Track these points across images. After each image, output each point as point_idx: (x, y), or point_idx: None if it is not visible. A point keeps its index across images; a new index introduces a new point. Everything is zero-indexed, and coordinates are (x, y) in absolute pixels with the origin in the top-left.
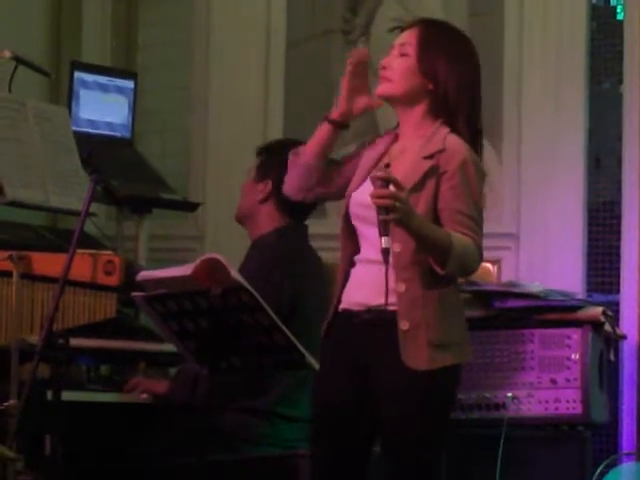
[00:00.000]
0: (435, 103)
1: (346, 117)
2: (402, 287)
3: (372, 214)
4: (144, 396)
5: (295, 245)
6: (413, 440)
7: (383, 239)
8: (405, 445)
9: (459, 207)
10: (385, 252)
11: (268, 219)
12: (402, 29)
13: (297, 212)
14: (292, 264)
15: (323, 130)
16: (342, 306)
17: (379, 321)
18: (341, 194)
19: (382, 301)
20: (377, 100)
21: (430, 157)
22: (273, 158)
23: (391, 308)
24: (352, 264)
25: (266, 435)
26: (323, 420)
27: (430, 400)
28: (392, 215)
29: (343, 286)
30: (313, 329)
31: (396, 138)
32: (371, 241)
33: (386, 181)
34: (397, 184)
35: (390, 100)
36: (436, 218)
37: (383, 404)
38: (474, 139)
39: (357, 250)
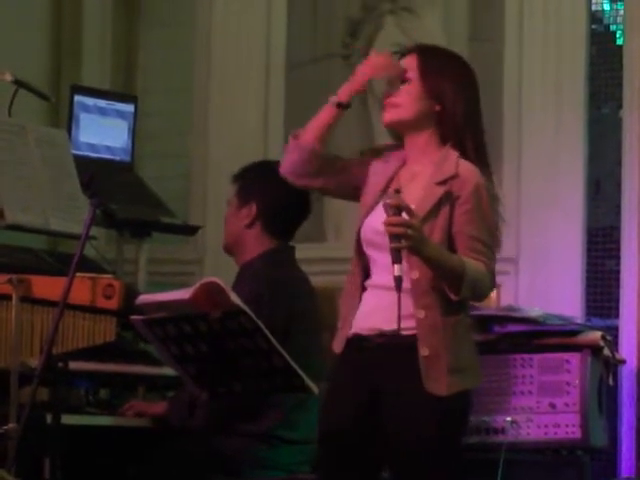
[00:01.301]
0: (443, 125)
1: (352, 97)
2: (421, 313)
3: (385, 240)
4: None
5: (285, 268)
6: (430, 465)
7: (395, 267)
8: (422, 470)
9: (472, 232)
10: (397, 280)
11: (255, 243)
12: (400, 56)
13: (284, 232)
14: (283, 287)
15: (327, 112)
16: (353, 331)
17: (393, 345)
18: (342, 193)
19: (395, 327)
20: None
21: (443, 183)
22: (254, 180)
23: (404, 333)
24: (363, 289)
25: (266, 458)
26: (332, 445)
27: (448, 425)
28: (404, 243)
29: (354, 311)
30: (306, 352)
31: (404, 162)
32: (383, 267)
33: (398, 208)
34: (409, 211)
35: (398, 126)
36: (451, 244)
37: (401, 429)
38: (482, 160)
39: (367, 275)
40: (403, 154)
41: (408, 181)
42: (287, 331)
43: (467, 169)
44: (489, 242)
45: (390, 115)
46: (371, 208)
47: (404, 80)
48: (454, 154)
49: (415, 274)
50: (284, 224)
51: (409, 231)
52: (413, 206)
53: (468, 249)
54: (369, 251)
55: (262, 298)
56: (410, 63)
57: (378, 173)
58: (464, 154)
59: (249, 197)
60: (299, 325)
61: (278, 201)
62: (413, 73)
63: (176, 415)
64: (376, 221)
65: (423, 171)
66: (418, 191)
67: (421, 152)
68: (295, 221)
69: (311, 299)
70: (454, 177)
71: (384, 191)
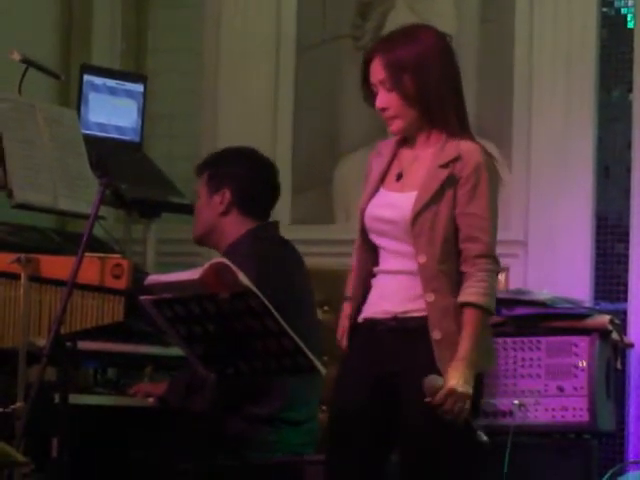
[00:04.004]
0: (429, 112)
1: None
2: (431, 297)
3: (391, 227)
4: (151, 400)
5: (271, 244)
6: (440, 448)
7: None
8: (431, 453)
9: (473, 210)
10: None
11: (235, 227)
12: (366, 62)
13: (261, 213)
14: (275, 266)
15: None
16: (364, 315)
17: (406, 329)
18: None
19: (406, 307)
20: None
21: (446, 165)
22: (223, 167)
23: (415, 314)
24: (372, 275)
25: (271, 441)
26: (343, 426)
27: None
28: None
29: (363, 297)
30: (301, 327)
31: (401, 143)
32: (391, 253)
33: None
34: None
35: (406, 133)
36: (455, 225)
37: (413, 411)
38: (467, 129)
39: (375, 262)
40: (391, 141)
41: (410, 163)
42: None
43: (469, 149)
44: (490, 217)
45: (395, 127)
46: (371, 195)
47: (390, 89)
48: (455, 137)
49: (422, 258)
50: (260, 206)
51: (458, 404)
52: (415, 192)
53: (470, 227)
54: (376, 239)
55: (258, 280)
56: (382, 73)
57: (375, 167)
58: (451, 132)
59: (220, 184)
60: (292, 302)
61: (250, 184)
62: (390, 83)
63: (174, 396)
64: (378, 208)
65: (424, 154)
66: (421, 173)
67: (424, 138)
68: (269, 201)
69: (301, 273)
70: (456, 159)
71: (382, 178)
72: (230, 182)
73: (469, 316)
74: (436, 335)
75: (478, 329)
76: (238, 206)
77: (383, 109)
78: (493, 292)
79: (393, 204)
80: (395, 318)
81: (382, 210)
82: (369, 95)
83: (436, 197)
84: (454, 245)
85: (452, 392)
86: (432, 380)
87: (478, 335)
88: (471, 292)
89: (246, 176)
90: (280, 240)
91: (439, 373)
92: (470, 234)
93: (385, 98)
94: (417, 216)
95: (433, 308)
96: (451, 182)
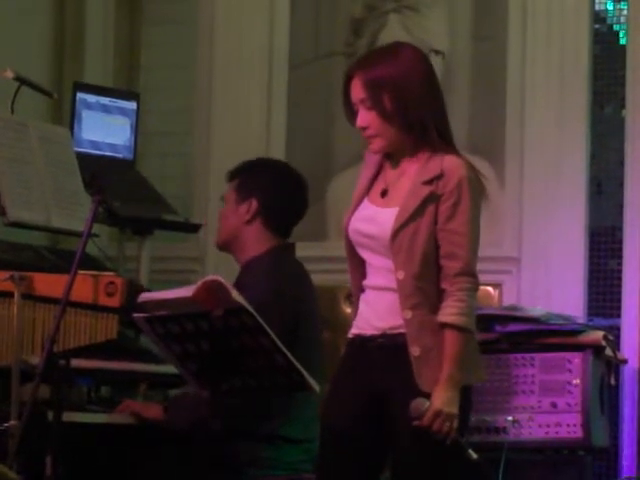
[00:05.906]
0: (409, 130)
1: None
2: (409, 314)
3: (372, 242)
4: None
5: (290, 267)
6: (428, 466)
7: None
8: (420, 472)
9: (453, 227)
10: None
11: (256, 240)
12: (346, 81)
13: (284, 229)
14: (291, 287)
15: None
16: (354, 331)
17: (393, 345)
18: None
19: (394, 324)
20: None
21: (429, 182)
22: (254, 176)
23: (402, 331)
24: (363, 290)
25: (270, 459)
26: (333, 444)
27: None
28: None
29: (356, 313)
30: (309, 351)
31: (387, 157)
32: (376, 268)
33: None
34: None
35: (387, 150)
36: (436, 240)
37: (398, 428)
38: (448, 141)
39: (364, 275)
40: (378, 157)
41: (396, 179)
42: (296, 331)
43: (452, 165)
44: (470, 235)
45: (376, 145)
46: (355, 207)
47: (370, 108)
48: (439, 153)
49: (401, 274)
50: (284, 220)
51: (446, 423)
52: (397, 208)
53: (450, 243)
54: (361, 253)
55: (269, 305)
56: (362, 92)
57: (362, 178)
58: (434, 148)
59: (249, 193)
60: (305, 327)
61: (279, 197)
62: (370, 102)
63: (178, 421)
64: (361, 223)
65: (409, 170)
66: (405, 190)
67: (409, 154)
68: (295, 217)
69: (314, 297)
70: (440, 177)
71: (366, 192)
72: (260, 192)
73: (449, 337)
74: (414, 351)
75: (459, 349)
76: (263, 217)
77: (363, 128)
78: (472, 311)
79: (375, 219)
80: (384, 335)
81: (364, 224)
82: (351, 114)
83: (416, 214)
84: (434, 261)
85: (439, 413)
86: (418, 403)
87: (460, 355)
88: (449, 312)
89: (275, 189)
90: (296, 263)
91: (418, 388)
92: (449, 251)
93: (365, 117)
94: (396, 233)
95: (411, 324)
96: (433, 199)
